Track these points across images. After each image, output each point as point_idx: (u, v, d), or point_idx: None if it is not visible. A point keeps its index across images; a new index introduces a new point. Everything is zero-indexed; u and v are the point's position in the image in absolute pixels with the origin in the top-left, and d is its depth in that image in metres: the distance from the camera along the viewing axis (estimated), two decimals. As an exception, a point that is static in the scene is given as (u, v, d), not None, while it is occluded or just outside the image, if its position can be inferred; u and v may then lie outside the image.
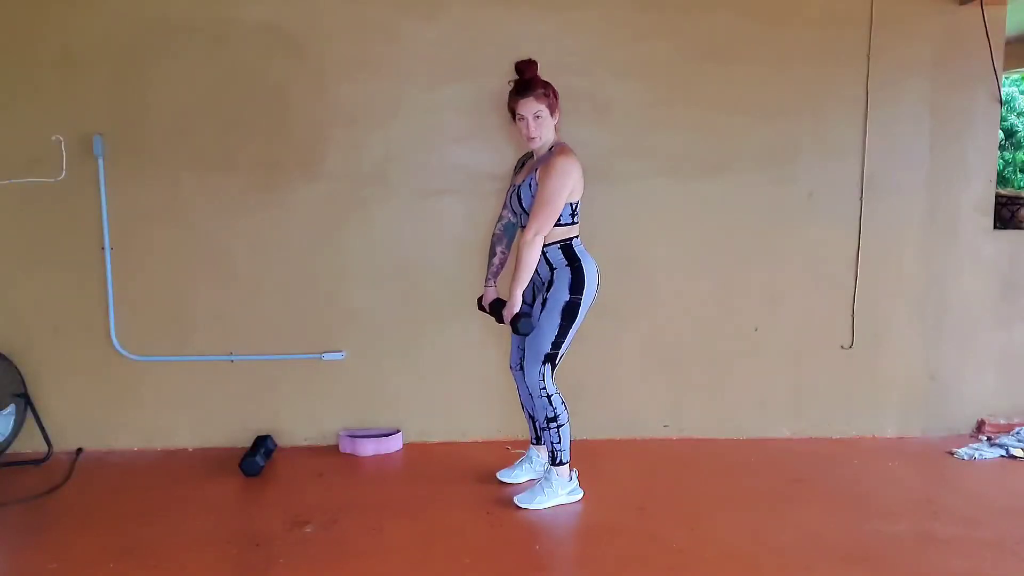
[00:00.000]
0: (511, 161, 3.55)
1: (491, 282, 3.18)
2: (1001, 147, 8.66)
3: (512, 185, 3.07)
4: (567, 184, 2.84)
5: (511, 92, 2.95)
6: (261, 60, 3.49)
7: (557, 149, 2.90)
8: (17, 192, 3.47)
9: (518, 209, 2.99)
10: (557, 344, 2.92)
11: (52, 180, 3.48)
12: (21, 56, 3.42)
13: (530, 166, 2.97)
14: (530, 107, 2.88)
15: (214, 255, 3.58)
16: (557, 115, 2.95)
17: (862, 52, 3.68)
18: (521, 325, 2.88)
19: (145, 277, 3.57)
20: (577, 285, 2.90)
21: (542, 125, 2.90)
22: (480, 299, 3.20)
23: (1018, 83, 9.89)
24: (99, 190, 3.47)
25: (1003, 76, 3.79)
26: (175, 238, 3.56)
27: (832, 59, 3.67)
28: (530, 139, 2.94)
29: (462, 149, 3.62)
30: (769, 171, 3.71)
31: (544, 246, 2.90)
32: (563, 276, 2.90)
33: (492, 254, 3.17)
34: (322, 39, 3.50)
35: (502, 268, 3.17)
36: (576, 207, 2.94)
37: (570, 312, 2.90)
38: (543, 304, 2.92)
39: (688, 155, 3.68)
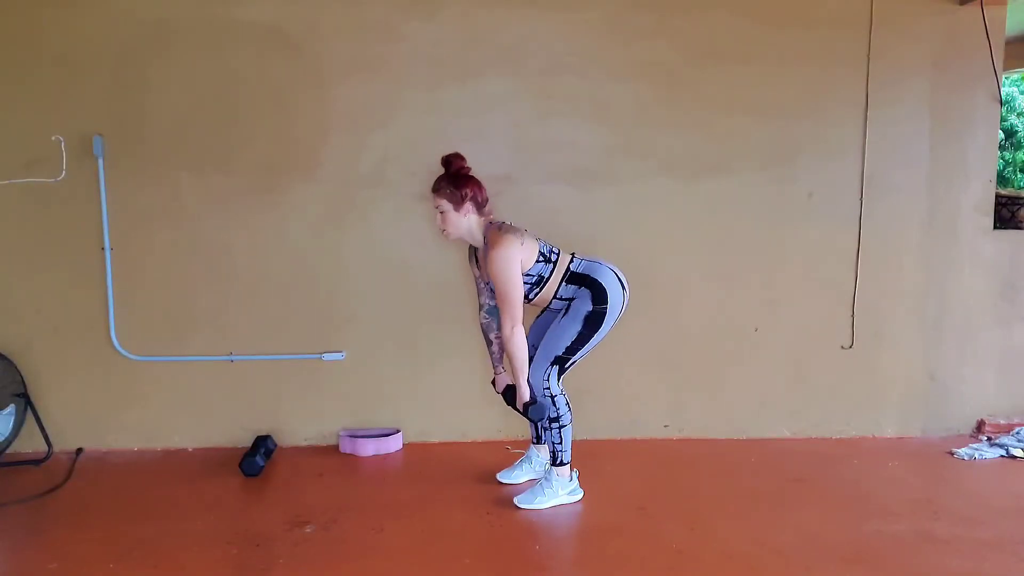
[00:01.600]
0: (511, 162, 3.56)
1: (499, 368, 3.20)
2: (1001, 147, 8.67)
3: (480, 279, 3.07)
4: (513, 270, 2.80)
5: None
6: (261, 60, 3.50)
7: (489, 240, 2.88)
8: (17, 192, 3.47)
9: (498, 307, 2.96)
10: (572, 350, 2.92)
11: (52, 180, 3.48)
12: (21, 56, 3.42)
13: (482, 262, 2.96)
14: (434, 202, 2.92)
15: (214, 255, 3.58)
16: (470, 211, 2.88)
17: (862, 52, 3.68)
18: (532, 412, 2.91)
19: (145, 277, 3.57)
20: (600, 297, 2.88)
21: (447, 221, 2.91)
22: (494, 382, 3.23)
23: (1018, 83, 9.90)
24: (99, 190, 3.47)
25: (1003, 76, 3.79)
26: (175, 238, 3.56)
27: (832, 59, 3.68)
28: (442, 232, 2.96)
29: (461, 150, 3.59)
30: (769, 171, 3.71)
31: (553, 296, 2.92)
32: (584, 296, 2.90)
33: (488, 343, 3.19)
34: (322, 39, 3.51)
35: (503, 353, 3.13)
36: (544, 255, 2.89)
37: (594, 321, 2.88)
38: (566, 311, 2.92)
39: (688, 155, 3.68)
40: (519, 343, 2.84)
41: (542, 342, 2.95)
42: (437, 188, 2.92)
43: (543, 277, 2.88)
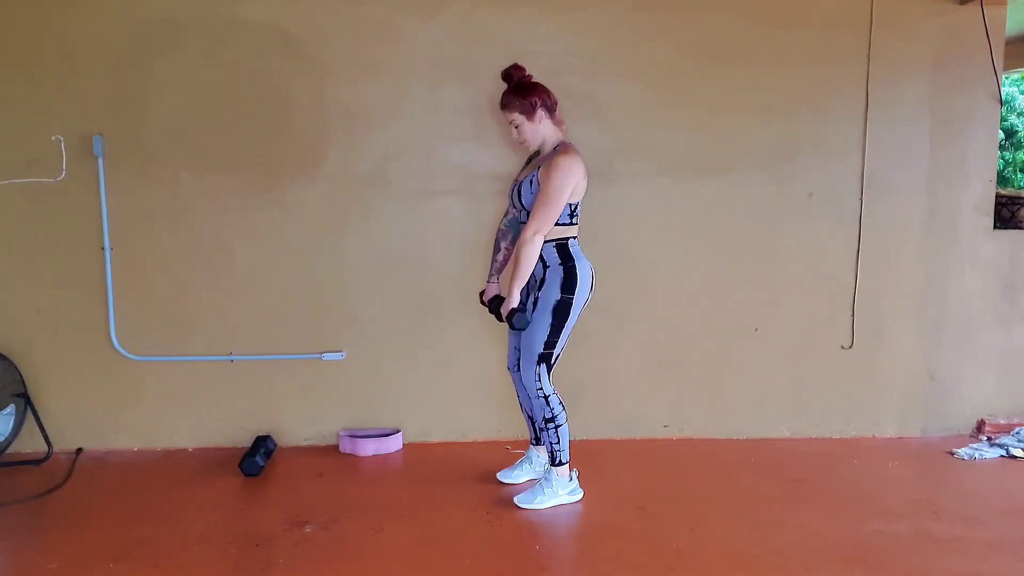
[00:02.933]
0: (511, 161, 3.55)
1: (494, 278, 3.19)
2: (1001, 147, 8.66)
3: (516, 179, 3.07)
4: (568, 183, 2.83)
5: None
6: (261, 60, 3.50)
7: (560, 148, 2.90)
8: (17, 192, 3.47)
9: (517, 204, 2.98)
10: (551, 344, 2.92)
11: (52, 180, 3.48)
12: (21, 56, 3.42)
13: (534, 164, 2.98)
14: (507, 118, 2.95)
15: (214, 255, 3.58)
16: (544, 118, 2.92)
17: (862, 52, 3.68)
18: (516, 320, 2.87)
19: (145, 277, 3.57)
20: (569, 284, 2.89)
21: (523, 131, 2.93)
22: (482, 294, 3.21)
23: (1018, 83, 9.90)
24: (99, 190, 3.47)
25: (1003, 76, 3.79)
26: (175, 238, 3.56)
27: (832, 59, 3.68)
28: (521, 144, 3.00)
29: (462, 149, 3.62)
30: (769, 171, 3.71)
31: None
32: (555, 275, 2.90)
33: (496, 250, 3.18)
34: (322, 39, 3.50)
35: (506, 264, 3.16)
36: (576, 208, 2.93)
37: (561, 311, 2.89)
38: (535, 303, 2.92)
39: (688, 155, 3.68)
40: (534, 249, 2.84)
41: (522, 344, 2.95)
42: (506, 104, 2.92)
43: (560, 219, 2.89)
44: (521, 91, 2.90)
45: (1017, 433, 3.82)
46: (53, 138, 3.46)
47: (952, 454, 3.65)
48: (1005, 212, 3.95)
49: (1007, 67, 3.95)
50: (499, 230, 3.18)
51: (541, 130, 2.93)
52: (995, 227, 3.86)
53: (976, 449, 3.66)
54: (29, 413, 3.53)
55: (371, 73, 3.54)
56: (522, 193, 2.93)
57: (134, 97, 3.47)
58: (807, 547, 2.70)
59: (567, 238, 2.93)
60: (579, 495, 3.06)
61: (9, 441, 3.49)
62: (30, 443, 3.54)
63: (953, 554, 2.66)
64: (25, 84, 3.43)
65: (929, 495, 3.18)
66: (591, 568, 2.57)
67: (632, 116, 3.63)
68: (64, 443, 3.59)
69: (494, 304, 3.08)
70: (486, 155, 3.61)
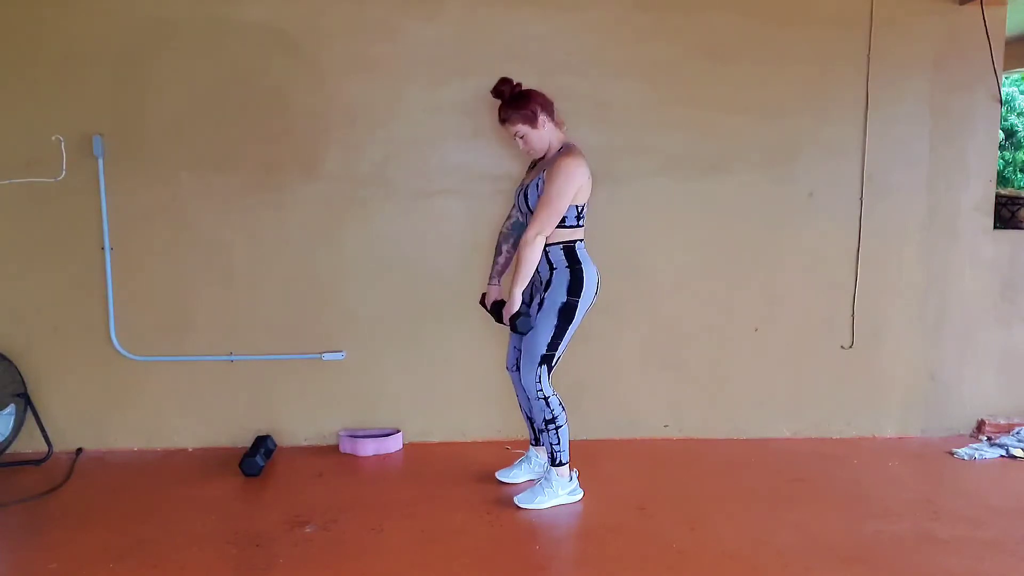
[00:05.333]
0: (511, 161, 3.55)
1: (495, 280, 3.19)
2: (1001, 147, 8.65)
3: (521, 184, 3.07)
4: (572, 185, 2.84)
5: None
6: (261, 60, 3.49)
7: (564, 151, 2.90)
8: (17, 192, 3.47)
9: (524, 208, 2.98)
10: (553, 346, 2.92)
11: (52, 180, 3.48)
12: (21, 56, 3.42)
13: (539, 167, 2.98)
14: (510, 131, 2.95)
15: (214, 255, 3.58)
16: (546, 122, 2.91)
17: (862, 52, 3.68)
18: (519, 323, 2.88)
19: (145, 277, 3.57)
20: (575, 287, 2.89)
21: (529, 141, 2.93)
22: (483, 296, 3.21)
23: (1018, 83, 9.88)
24: (99, 190, 3.47)
25: (1003, 76, 3.79)
26: (175, 238, 3.56)
27: (832, 59, 3.67)
28: (528, 154, 3.01)
29: (462, 149, 3.62)
30: (769, 171, 3.71)
31: (547, 246, 2.89)
32: (562, 277, 2.90)
33: (498, 252, 3.17)
34: (322, 39, 3.50)
35: (507, 267, 3.17)
36: (582, 210, 2.93)
37: (566, 314, 2.90)
38: (540, 305, 2.92)
39: (688, 155, 3.68)
40: (535, 250, 2.84)
41: (524, 346, 2.95)
42: (506, 118, 2.92)
43: (564, 220, 2.89)
44: (518, 102, 2.90)
45: (1017, 433, 3.82)
46: (53, 138, 3.46)
47: (952, 454, 3.65)
48: (1005, 212, 3.94)
49: (1007, 67, 3.95)
50: (501, 233, 3.18)
51: (546, 135, 2.93)
52: (995, 227, 3.85)
53: (976, 449, 3.66)
54: (29, 413, 3.53)
55: (371, 73, 3.54)
56: (528, 197, 2.93)
57: (134, 97, 3.47)
58: (807, 547, 2.70)
59: (574, 240, 2.93)
60: (579, 495, 3.06)
61: (9, 441, 3.49)
62: (30, 443, 3.54)
63: (953, 554, 2.66)
64: (25, 84, 3.43)
65: (929, 495, 3.18)
66: (591, 568, 2.57)
67: (632, 116, 3.63)
68: (64, 443, 3.59)
69: (496, 308, 3.07)
70: (486, 155, 3.61)
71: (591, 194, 2.96)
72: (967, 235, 3.83)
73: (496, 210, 3.53)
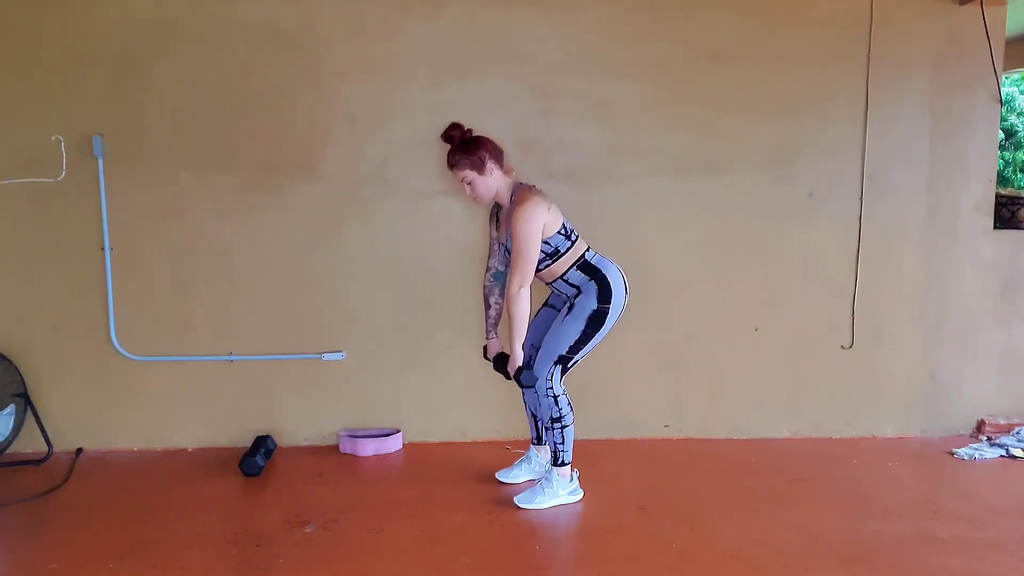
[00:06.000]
0: (511, 162, 3.54)
1: (492, 333, 3.20)
2: (1001, 147, 8.65)
3: (495, 241, 3.08)
4: (534, 229, 2.82)
5: None
6: (261, 60, 3.49)
7: (516, 197, 2.90)
8: (17, 192, 3.47)
9: (506, 261, 2.99)
10: (575, 349, 2.92)
11: (52, 180, 3.48)
12: (21, 56, 3.42)
13: (504, 218, 2.98)
14: (458, 176, 2.94)
15: (214, 255, 3.58)
16: (493, 169, 2.90)
17: (862, 52, 3.68)
18: (524, 378, 2.90)
19: (145, 277, 3.57)
20: (605, 294, 2.89)
21: (476, 187, 2.92)
22: (485, 349, 3.22)
23: (1018, 83, 9.88)
24: (99, 190, 3.47)
25: (1003, 76, 3.79)
26: (175, 238, 3.56)
27: (832, 59, 3.67)
28: (475, 200, 2.99)
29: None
30: (769, 171, 3.71)
31: (562, 276, 2.91)
32: (590, 290, 2.90)
33: (487, 306, 3.18)
34: (322, 39, 3.51)
35: (500, 318, 3.17)
36: (567, 230, 2.92)
37: (597, 320, 2.89)
38: (570, 308, 2.92)
39: (688, 155, 3.68)
40: (523, 304, 2.84)
41: (544, 341, 2.95)
42: (454, 163, 2.92)
43: (558, 251, 2.88)
44: (466, 148, 2.90)
45: (1017, 433, 3.82)
46: (53, 138, 3.46)
47: (952, 454, 3.65)
48: (1005, 212, 3.94)
49: (1007, 67, 3.94)
50: (484, 287, 3.18)
51: (492, 182, 2.92)
52: (995, 227, 3.86)
53: (976, 449, 3.66)
54: (29, 413, 3.53)
55: (371, 73, 3.54)
56: (510, 252, 2.92)
57: (134, 97, 3.47)
58: (807, 547, 2.69)
59: (582, 255, 2.93)
60: (579, 495, 3.06)
61: (9, 441, 3.49)
62: (30, 443, 3.54)
63: (953, 554, 2.66)
64: (25, 84, 3.43)
65: (929, 495, 3.18)
66: (591, 568, 2.57)
67: (632, 116, 3.63)
68: (64, 443, 3.59)
69: (499, 361, 3.08)
70: (486, 155, 3.61)
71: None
72: (967, 235, 3.83)
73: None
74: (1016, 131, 9.81)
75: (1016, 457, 3.60)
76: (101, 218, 3.49)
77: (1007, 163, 9.59)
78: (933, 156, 3.77)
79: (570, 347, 2.91)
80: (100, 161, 3.46)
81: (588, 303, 2.89)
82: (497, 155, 2.93)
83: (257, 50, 3.49)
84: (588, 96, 3.59)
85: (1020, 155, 9.80)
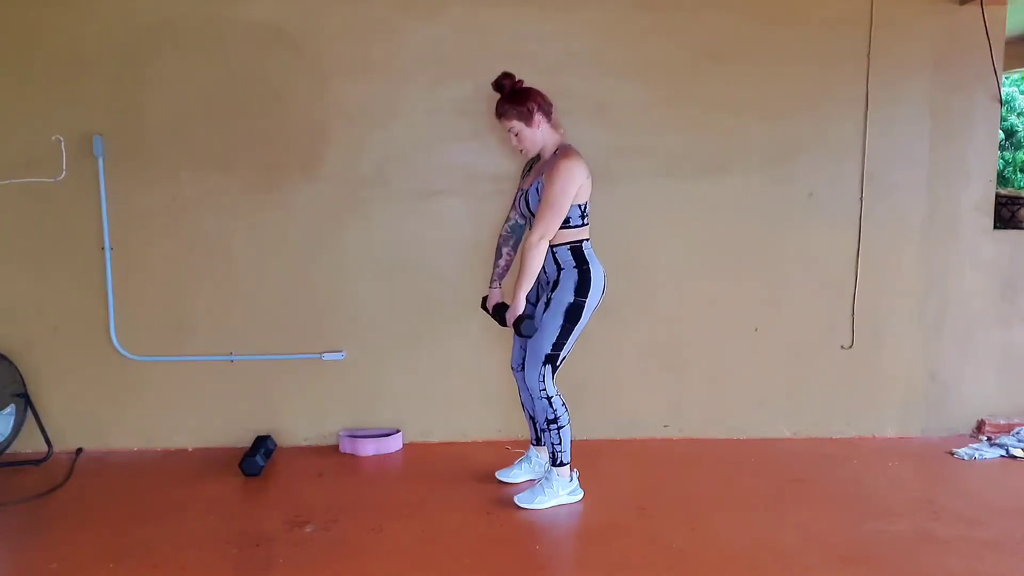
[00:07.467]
0: (511, 161, 3.55)
1: (495, 284, 3.18)
2: (1001, 147, 8.66)
3: (520, 189, 3.07)
4: (571, 186, 2.83)
5: None
6: (261, 60, 3.49)
7: (561, 152, 2.90)
8: (17, 192, 3.47)
9: (527, 213, 2.98)
10: (559, 346, 2.92)
11: (52, 180, 3.48)
12: (21, 56, 3.42)
13: (537, 169, 2.98)
14: (505, 126, 2.95)
15: (214, 255, 3.58)
16: (541, 122, 2.92)
17: (862, 52, 3.68)
18: (524, 327, 2.88)
19: (145, 277, 3.57)
20: (583, 287, 2.89)
21: (523, 138, 2.93)
22: (484, 299, 3.20)
23: (1018, 83, 9.89)
24: (99, 190, 3.47)
25: (1003, 76, 3.79)
26: (175, 238, 3.56)
27: (832, 59, 3.67)
28: (520, 152, 3.00)
29: (462, 149, 3.62)
30: (769, 171, 3.71)
31: (554, 246, 2.89)
32: (569, 277, 2.90)
33: (498, 255, 3.17)
34: (322, 39, 3.50)
35: (508, 270, 3.17)
36: (585, 208, 2.93)
37: (573, 314, 2.90)
38: (547, 304, 2.91)
39: (688, 155, 3.68)
40: (538, 255, 2.84)
41: (529, 345, 2.95)
42: (502, 113, 2.92)
43: (568, 221, 2.88)
44: (516, 98, 2.90)
45: (1017, 433, 3.82)
46: (53, 138, 3.46)
47: (952, 454, 3.65)
48: (1005, 212, 3.95)
49: (1007, 67, 3.94)
50: (501, 235, 3.17)
51: (539, 135, 2.93)
52: (995, 227, 3.85)
53: (976, 449, 3.66)
54: (29, 413, 3.53)
55: (371, 73, 3.54)
56: (529, 201, 2.93)
57: (134, 97, 3.47)
58: (807, 547, 2.70)
59: (580, 240, 2.93)
60: (579, 495, 3.06)
61: (9, 441, 3.49)
62: (30, 443, 3.54)
63: (953, 554, 2.66)
64: (25, 84, 3.43)
65: (929, 495, 3.18)
66: (591, 568, 2.57)
67: (632, 116, 3.63)
68: (64, 443, 3.59)
69: (498, 311, 3.07)
70: (486, 155, 3.61)
71: (592, 193, 2.96)
72: (967, 235, 3.82)
73: (496, 210, 3.53)
74: (1016, 131, 9.82)
75: (1016, 457, 3.60)
76: (101, 218, 3.49)
77: (1007, 163, 9.59)
78: (933, 156, 3.77)
79: (553, 344, 2.90)
80: (100, 161, 3.46)
81: (565, 296, 2.88)
82: (546, 108, 2.93)
83: (257, 50, 3.49)
84: (588, 96, 3.59)
85: (1020, 155, 9.81)
